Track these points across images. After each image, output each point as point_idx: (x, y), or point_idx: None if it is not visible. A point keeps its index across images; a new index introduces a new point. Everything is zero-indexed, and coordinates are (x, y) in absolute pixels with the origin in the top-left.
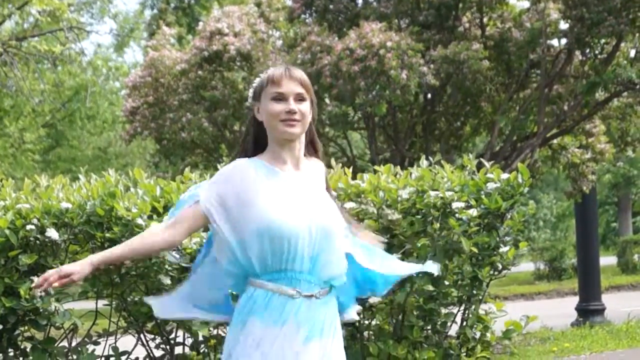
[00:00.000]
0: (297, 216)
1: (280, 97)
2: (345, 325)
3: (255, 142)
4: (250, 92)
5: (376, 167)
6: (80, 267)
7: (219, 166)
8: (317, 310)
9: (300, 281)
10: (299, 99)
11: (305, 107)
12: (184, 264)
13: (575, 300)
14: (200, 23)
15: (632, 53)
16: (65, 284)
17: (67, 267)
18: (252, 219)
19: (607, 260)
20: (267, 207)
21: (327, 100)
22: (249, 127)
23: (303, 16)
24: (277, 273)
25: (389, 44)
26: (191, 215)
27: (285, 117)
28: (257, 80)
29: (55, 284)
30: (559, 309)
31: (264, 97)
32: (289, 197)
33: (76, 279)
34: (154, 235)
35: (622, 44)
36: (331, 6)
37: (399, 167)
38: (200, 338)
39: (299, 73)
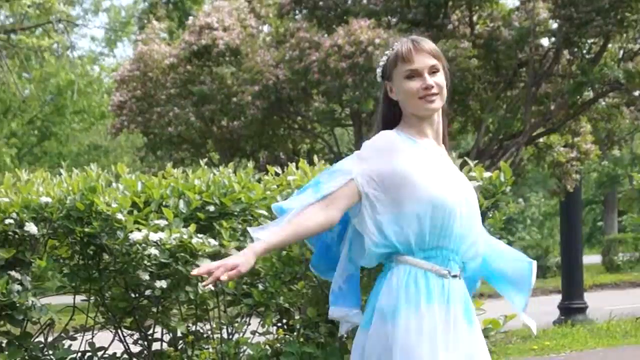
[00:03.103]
0: (454, 193)
1: (414, 74)
2: (325, 322)
3: (384, 122)
4: (379, 71)
5: None
6: (245, 257)
7: (201, 162)
8: (463, 290)
9: (450, 260)
10: (433, 71)
11: (441, 78)
12: (163, 260)
13: (559, 298)
14: (191, 17)
15: (620, 53)
16: (233, 277)
17: (232, 259)
18: (412, 194)
19: (593, 258)
20: (427, 183)
21: (314, 97)
22: (381, 106)
23: (293, 12)
24: (433, 250)
25: (377, 41)
26: (347, 193)
27: (424, 94)
28: (384, 58)
29: (224, 277)
30: (542, 307)
31: (396, 76)
32: (442, 172)
33: (244, 270)
34: (313, 216)
35: (610, 44)
36: (321, 3)
37: None
38: (179, 334)
39: (428, 44)
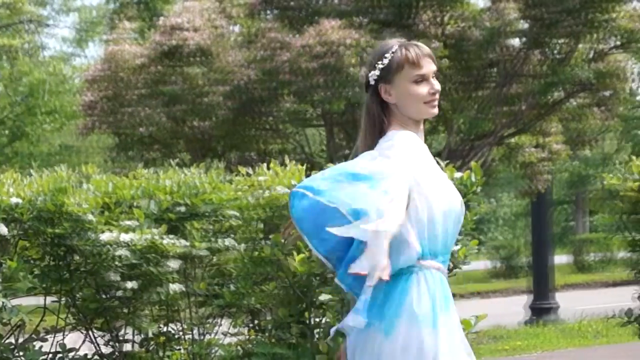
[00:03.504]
0: (456, 198)
1: (422, 79)
2: (296, 323)
3: (379, 123)
4: (376, 74)
5: (330, 165)
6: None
7: (172, 162)
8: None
9: (444, 260)
10: (434, 76)
11: (438, 82)
12: (133, 261)
13: (530, 298)
14: (161, 18)
15: (590, 53)
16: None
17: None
18: (439, 196)
19: (563, 258)
20: (438, 188)
21: (285, 97)
22: (373, 108)
23: (263, 12)
24: (440, 252)
25: (347, 41)
26: (406, 193)
27: (430, 99)
28: (384, 61)
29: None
30: (513, 307)
31: (400, 80)
32: (442, 177)
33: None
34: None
35: (580, 45)
36: (291, 3)
37: None
38: (150, 335)
39: (427, 48)
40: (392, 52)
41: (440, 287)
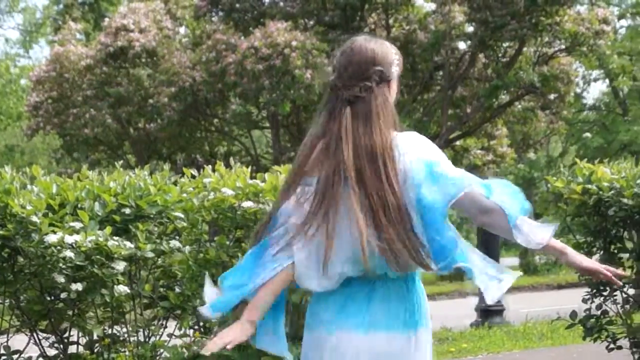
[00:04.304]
0: None
1: None
2: None
3: None
4: (397, 70)
5: (276, 167)
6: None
7: (117, 164)
8: None
9: None
10: None
11: None
12: (78, 262)
13: (476, 300)
14: (106, 19)
15: (535, 57)
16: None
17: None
18: None
19: (510, 261)
20: None
21: (231, 99)
22: (390, 103)
23: (209, 14)
24: None
25: (294, 43)
26: None
27: None
28: (395, 62)
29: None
30: (460, 310)
31: (396, 78)
32: None
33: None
34: None
35: (525, 48)
36: (237, 5)
37: None
38: (95, 337)
39: None
40: (395, 54)
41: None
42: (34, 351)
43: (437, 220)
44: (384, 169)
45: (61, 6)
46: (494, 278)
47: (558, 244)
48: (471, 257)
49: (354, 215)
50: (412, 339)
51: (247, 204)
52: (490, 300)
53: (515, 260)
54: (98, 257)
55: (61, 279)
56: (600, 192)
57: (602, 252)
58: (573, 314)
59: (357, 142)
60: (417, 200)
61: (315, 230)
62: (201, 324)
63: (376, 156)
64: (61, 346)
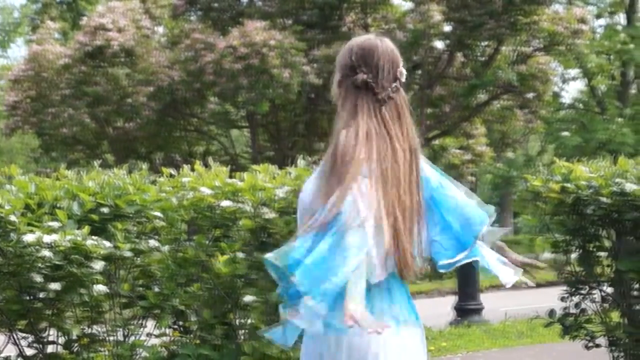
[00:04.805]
0: None
1: None
2: (220, 324)
3: None
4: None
5: (254, 166)
6: None
7: (96, 163)
8: None
9: None
10: None
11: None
12: (56, 262)
13: (455, 299)
14: (84, 18)
15: (513, 56)
16: None
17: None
18: None
19: None
20: None
21: (209, 98)
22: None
23: (187, 13)
24: None
25: (271, 42)
26: None
27: None
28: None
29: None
30: (439, 308)
31: None
32: None
33: None
34: None
35: (503, 47)
36: (215, 4)
37: (276, 166)
38: (74, 337)
39: None
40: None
41: None
42: (12, 351)
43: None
44: (416, 171)
45: (39, 5)
46: (506, 263)
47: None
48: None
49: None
50: (421, 333)
51: (225, 203)
52: (507, 282)
53: None
54: (76, 256)
55: (39, 279)
56: (578, 191)
57: (580, 250)
58: (551, 313)
59: (397, 144)
60: (435, 201)
61: (380, 221)
62: (180, 323)
63: (411, 158)
64: (39, 346)
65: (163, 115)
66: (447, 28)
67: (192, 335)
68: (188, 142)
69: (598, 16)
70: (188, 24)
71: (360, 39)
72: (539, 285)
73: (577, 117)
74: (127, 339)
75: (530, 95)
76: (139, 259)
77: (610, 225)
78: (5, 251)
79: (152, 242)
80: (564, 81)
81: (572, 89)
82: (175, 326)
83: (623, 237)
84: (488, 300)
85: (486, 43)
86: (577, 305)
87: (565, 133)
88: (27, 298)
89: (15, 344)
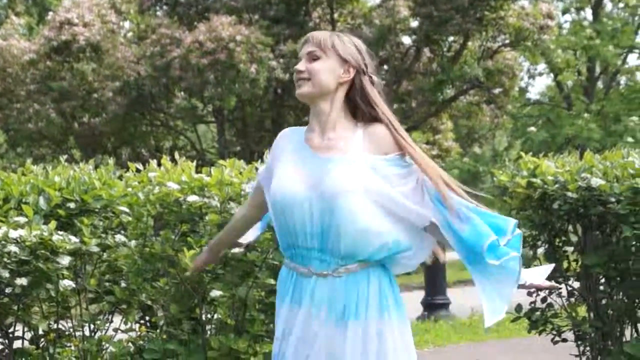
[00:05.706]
0: (298, 190)
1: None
2: (188, 319)
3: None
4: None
5: (221, 161)
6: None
7: (62, 158)
8: (340, 289)
9: (311, 259)
10: (312, 58)
11: (318, 65)
12: (23, 257)
13: (423, 294)
14: (50, 13)
15: (480, 52)
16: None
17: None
18: (268, 195)
19: (456, 255)
20: (274, 183)
21: (176, 93)
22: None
23: (154, 8)
24: (291, 249)
25: (238, 37)
26: (255, 189)
27: (295, 78)
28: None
29: None
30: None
31: None
32: (296, 169)
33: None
34: (235, 215)
35: (470, 43)
36: None
37: (243, 161)
38: (40, 332)
39: (323, 34)
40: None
41: (282, 282)
42: None
43: None
44: None
45: (4, 0)
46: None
47: None
48: None
49: None
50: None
51: (192, 198)
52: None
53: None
54: (43, 251)
55: (6, 274)
56: (545, 186)
57: (547, 245)
58: (518, 307)
59: None
60: None
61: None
62: (147, 318)
63: None
64: (6, 341)
65: (130, 111)
66: (414, 23)
67: (159, 331)
68: (155, 137)
69: (564, 12)
70: (154, 19)
71: (359, 40)
72: None
73: (543, 112)
74: (94, 334)
75: (497, 90)
76: (105, 254)
77: (576, 220)
78: None
79: (119, 237)
80: (531, 77)
81: (539, 85)
82: (143, 321)
83: (589, 232)
84: (456, 296)
85: (453, 38)
86: (543, 300)
87: (532, 128)
88: None
89: None
